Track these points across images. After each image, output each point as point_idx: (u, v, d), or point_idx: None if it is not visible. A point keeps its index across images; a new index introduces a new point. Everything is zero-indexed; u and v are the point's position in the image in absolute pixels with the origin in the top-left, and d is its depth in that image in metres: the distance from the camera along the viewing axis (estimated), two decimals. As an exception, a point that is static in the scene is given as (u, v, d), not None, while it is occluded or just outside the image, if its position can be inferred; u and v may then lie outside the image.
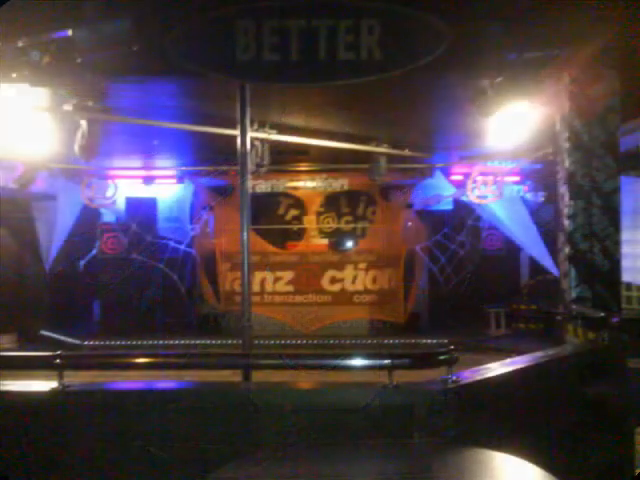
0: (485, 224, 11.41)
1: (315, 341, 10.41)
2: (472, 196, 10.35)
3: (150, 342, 10.27)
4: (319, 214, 11.27)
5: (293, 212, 11.36)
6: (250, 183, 4.62)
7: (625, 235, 5.50)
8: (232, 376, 4.30)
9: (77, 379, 3.10)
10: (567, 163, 5.18)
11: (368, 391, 2.91)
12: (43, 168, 9.24)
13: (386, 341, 10.14)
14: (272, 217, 11.28)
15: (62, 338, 10.35)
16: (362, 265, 11.04)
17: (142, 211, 11.30)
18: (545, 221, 11.03)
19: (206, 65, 4.62)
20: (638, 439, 4.23)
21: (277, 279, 11.04)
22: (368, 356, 3.00)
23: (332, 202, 11.29)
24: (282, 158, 9.46)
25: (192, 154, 10.40)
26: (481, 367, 3.27)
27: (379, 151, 8.97)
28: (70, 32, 4.56)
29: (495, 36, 4.75)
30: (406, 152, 9.25)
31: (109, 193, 10.74)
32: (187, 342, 10.24)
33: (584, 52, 4.82)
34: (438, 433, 2.81)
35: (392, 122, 8.03)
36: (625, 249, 5.55)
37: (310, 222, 11.24)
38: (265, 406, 2.96)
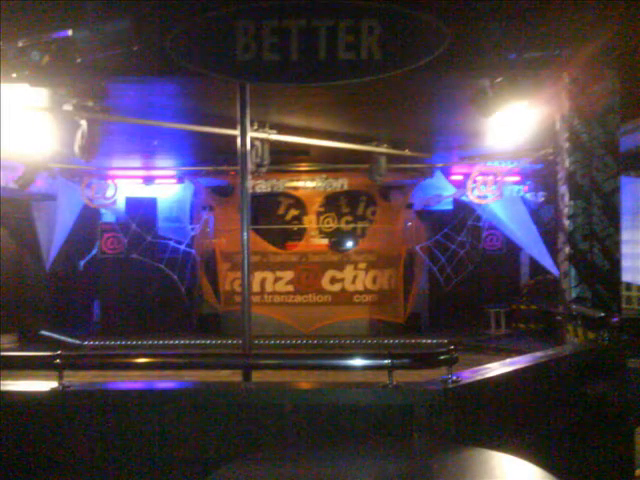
0: (485, 224, 11.41)
1: (315, 341, 10.41)
2: (472, 196, 10.35)
3: (150, 342, 10.27)
4: (319, 214, 11.27)
5: (293, 212, 11.36)
6: (250, 183, 4.61)
7: (625, 235, 5.50)
8: (232, 376, 4.31)
9: (77, 379, 3.10)
10: (567, 163, 5.18)
11: (368, 391, 2.91)
12: (43, 168, 9.24)
13: (386, 341, 10.15)
14: (272, 217, 11.28)
15: (62, 338, 10.35)
16: (362, 265, 11.04)
17: (142, 211, 11.30)
18: (545, 221, 11.05)
19: (206, 65, 4.62)
20: (638, 439, 4.24)
21: (277, 279, 11.04)
22: (368, 356, 3.00)
23: (332, 202, 11.29)
24: (282, 158, 9.47)
25: (192, 154, 10.41)
26: (481, 367, 3.27)
27: (379, 151, 8.98)
28: (70, 32, 4.57)
29: (495, 36, 4.75)
30: (406, 152, 9.26)
31: (109, 193, 10.74)
32: (187, 342, 10.25)
33: (584, 52, 4.83)
34: (438, 433, 2.81)
35: (392, 122, 8.03)
36: (625, 249, 5.55)
37: (310, 222, 11.24)
38: (265, 406, 2.95)
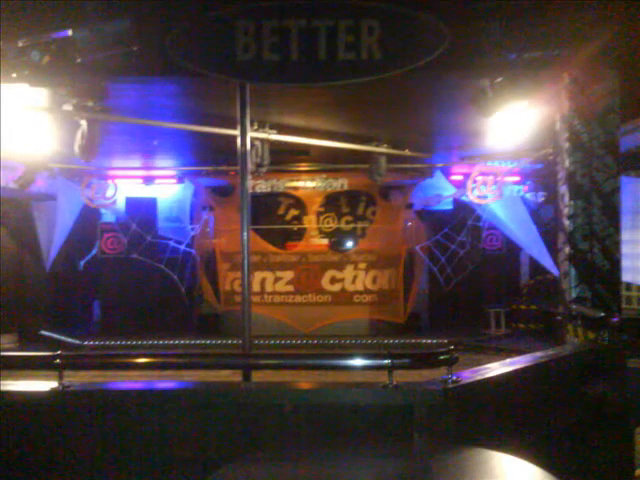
0: (485, 224, 11.40)
1: (315, 341, 10.40)
2: (472, 196, 10.34)
3: (150, 342, 10.27)
4: (319, 214, 11.27)
5: (293, 212, 11.36)
6: (250, 183, 4.61)
7: (625, 235, 5.51)
8: (232, 376, 4.31)
9: (77, 379, 3.10)
10: (567, 163, 5.18)
11: (368, 391, 2.91)
12: (43, 168, 9.24)
13: (386, 341, 10.14)
14: (272, 217, 11.28)
15: (62, 338, 10.34)
16: (362, 265, 11.04)
17: (142, 211, 11.30)
18: (545, 221, 11.05)
19: (206, 65, 4.62)
20: (638, 439, 4.24)
21: (277, 279, 11.04)
22: (368, 356, 3.00)
23: (332, 202, 11.29)
24: (282, 158, 9.47)
25: (192, 154, 10.41)
26: (481, 367, 3.27)
27: (379, 151, 8.97)
28: (70, 32, 4.56)
29: (495, 36, 4.75)
30: (406, 152, 9.26)
31: (109, 193, 10.74)
32: (187, 342, 10.25)
33: (584, 52, 4.82)
34: (438, 433, 2.81)
35: (392, 122, 8.03)
36: (625, 249, 5.56)
37: (310, 222, 11.24)
38: (265, 406, 2.96)
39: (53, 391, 2.95)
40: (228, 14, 4.47)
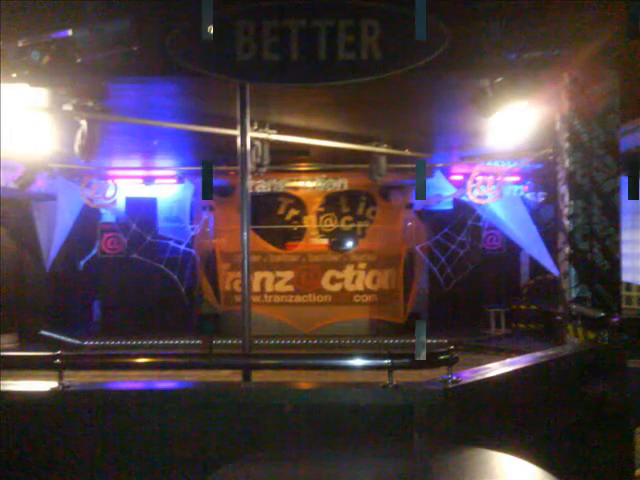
0: (485, 224, 11.40)
1: (315, 341, 10.41)
2: (472, 196, 10.35)
3: (150, 342, 10.27)
4: (319, 214, 11.27)
5: (293, 212, 11.36)
6: (250, 183, 4.61)
7: (625, 235, 5.51)
8: (232, 376, 4.31)
9: (77, 379, 3.10)
10: (567, 163, 5.18)
11: (368, 391, 2.91)
12: (43, 168, 9.24)
13: (386, 341, 10.14)
14: (272, 217, 11.28)
15: (62, 338, 10.35)
16: (362, 265, 11.04)
17: (142, 211, 11.30)
18: (545, 221, 11.05)
19: (206, 65, 4.62)
20: (638, 439, 4.24)
21: (277, 279, 11.04)
22: (368, 356, 3.00)
23: (332, 202, 11.29)
24: (282, 158, 9.47)
25: (192, 154, 10.40)
26: (481, 367, 3.27)
27: (379, 151, 8.98)
28: (70, 32, 4.56)
29: (495, 36, 4.75)
30: (406, 152, 9.25)
31: (109, 193, 10.74)
32: (187, 342, 10.24)
33: (584, 52, 4.82)
34: (438, 433, 2.81)
35: (392, 122, 8.03)
36: (625, 249, 5.56)
37: (310, 222, 11.24)
38: (265, 406, 2.96)
39: (53, 391, 2.95)
40: (228, 14, 4.47)
